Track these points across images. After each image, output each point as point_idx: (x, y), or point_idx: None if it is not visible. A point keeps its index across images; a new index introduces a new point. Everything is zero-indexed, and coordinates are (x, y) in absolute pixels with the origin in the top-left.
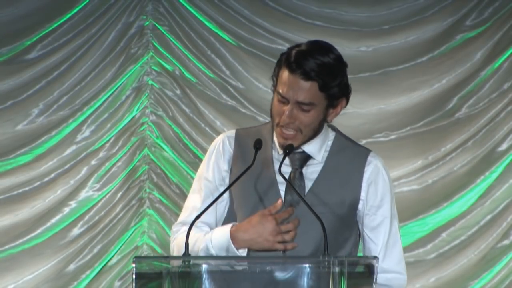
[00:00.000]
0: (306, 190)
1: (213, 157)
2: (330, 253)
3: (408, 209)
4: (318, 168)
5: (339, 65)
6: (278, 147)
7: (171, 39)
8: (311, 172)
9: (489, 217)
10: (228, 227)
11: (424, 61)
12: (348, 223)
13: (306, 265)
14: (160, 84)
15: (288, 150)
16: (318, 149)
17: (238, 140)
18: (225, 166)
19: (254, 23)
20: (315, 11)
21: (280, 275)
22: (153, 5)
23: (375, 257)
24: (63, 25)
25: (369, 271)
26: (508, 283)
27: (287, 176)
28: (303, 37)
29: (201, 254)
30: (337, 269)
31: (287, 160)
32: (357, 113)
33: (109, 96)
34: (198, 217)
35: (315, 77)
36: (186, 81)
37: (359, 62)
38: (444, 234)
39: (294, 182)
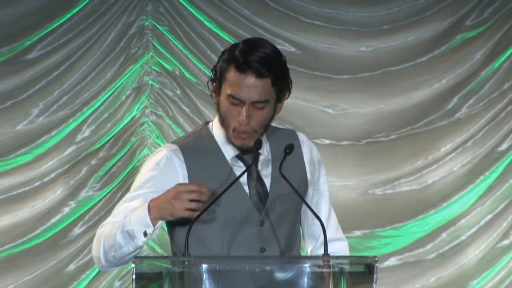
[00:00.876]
0: (268, 187)
1: (158, 172)
2: (292, 245)
3: (408, 209)
4: (268, 161)
5: (280, 56)
6: (232, 148)
7: (171, 39)
8: (263, 167)
9: (489, 217)
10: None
11: (424, 61)
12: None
13: (306, 265)
14: (160, 84)
15: (289, 150)
16: (263, 141)
17: (185, 153)
18: (181, 180)
19: (254, 23)
20: (315, 11)
21: (280, 275)
22: (153, 5)
23: (375, 257)
24: (63, 25)
25: (369, 270)
26: (508, 283)
27: (244, 178)
28: (303, 37)
29: (117, 235)
30: (337, 269)
31: (237, 161)
32: (357, 113)
33: (109, 96)
34: (198, 216)
35: (268, 73)
36: (186, 81)
37: (359, 62)
38: (444, 234)
39: (255, 183)
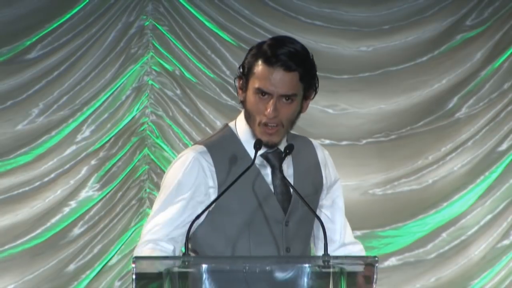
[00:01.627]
0: (291, 189)
1: (188, 176)
2: (307, 248)
3: (408, 209)
4: (289, 162)
5: (308, 53)
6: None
7: (171, 39)
8: (284, 168)
9: (489, 217)
10: None
11: (424, 61)
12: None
13: (306, 265)
14: (160, 84)
15: (289, 150)
16: (283, 143)
17: (212, 154)
18: (210, 183)
19: (254, 23)
20: (315, 11)
21: (280, 275)
22: (153, 5)
23: (375, 257)
24: (63, 25)
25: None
26: (508, 283)
27: (269, 178)
28: (303, 37)
29: None
30: (337, 269)
31: (262, 160)
32: (357, 113)
33: (109, 96)
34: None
35: (296, 67)
36: (186, 81)
37: (359, 62)
38: (444, 234)
39: (280, 183)
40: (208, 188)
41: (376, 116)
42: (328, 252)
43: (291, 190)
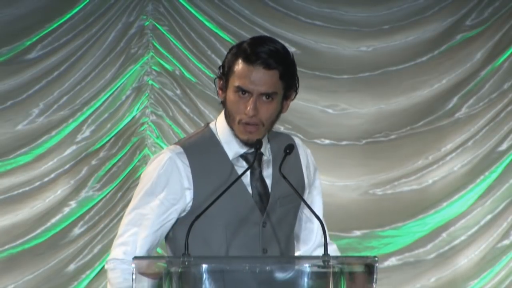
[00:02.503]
0: (269, 188)
1: (162, 177)
2: (290, 247)
3: (408, 209)
4: (269, 162)
5: (288, 53)
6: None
7: (171, 39)
8: (264, 168)
9: (489, 217)
10: None
11: (424, 61)
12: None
13: (306, 265)
14: (160, 84)
15: (289, 150)
16: (264, 142)
17: (189, 155)
18: (186, 184)
19: (254, 23)
20: (315, 11)
21: (280, 275)
22: (153, 5)
23: (375, 257)
24: (63, 25)
25: (369, 270)
26: (508, 283)
27: (248, 179)
28: (303, 37)
29: None
30: (336, 269)
31: (241, 161)
32: (357, 113)
33: (109, 96)
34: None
35: (276, 65)
36: (186, 81)
37: (359, 62)
38: (444, 234)
39: (256, 183)
40: (184, 189)
41: (376, 116)
42: (303, 253)
43: (270, 190)
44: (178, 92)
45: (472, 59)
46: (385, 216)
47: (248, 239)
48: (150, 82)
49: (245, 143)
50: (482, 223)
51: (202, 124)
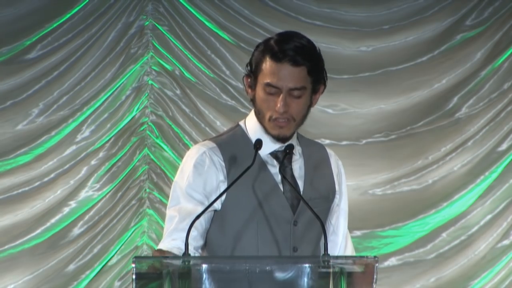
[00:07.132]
0: (301, 188)
1: (199, 170)
2: (318, 250)
3: (408, 209)
4: (301, 164)
5: (315, 47)
6: (271, 141)
7: (171, 39)
8: (296, 169)
9: (489, 217)
10: None
11: (424, 61)
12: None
13: (306, 265)
14: (160, 84)
15: (289, 150)
16: (295, 143)
17: (223, 150)
18: (221, 176)
19: (254, 23)
20: (315, 11)
21: (280, 275)
22: (153, 5)
23: (375, 257)
24: (63, 25)
25: (369, 270)
26: (508, 283)
27: (278, 176)
28: None
29: None
30: (337, 269)
31: (272, 159)
32: (357, 113)
33: (109, 96)
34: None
35: (303, 62)
36: (186, 81)
37: (359, 62)
38: (444, 234)
39: (288, 182)
40: (219, 182)
41: (376, 116)
42: None
43: (301, 190)
44: (178, 92)
45: (472, 59)
46: (385, 216)
47: (279, 236)
48: (150, 82)
49: (277, 138)
50: (482, 223)
51: (202, 124)
